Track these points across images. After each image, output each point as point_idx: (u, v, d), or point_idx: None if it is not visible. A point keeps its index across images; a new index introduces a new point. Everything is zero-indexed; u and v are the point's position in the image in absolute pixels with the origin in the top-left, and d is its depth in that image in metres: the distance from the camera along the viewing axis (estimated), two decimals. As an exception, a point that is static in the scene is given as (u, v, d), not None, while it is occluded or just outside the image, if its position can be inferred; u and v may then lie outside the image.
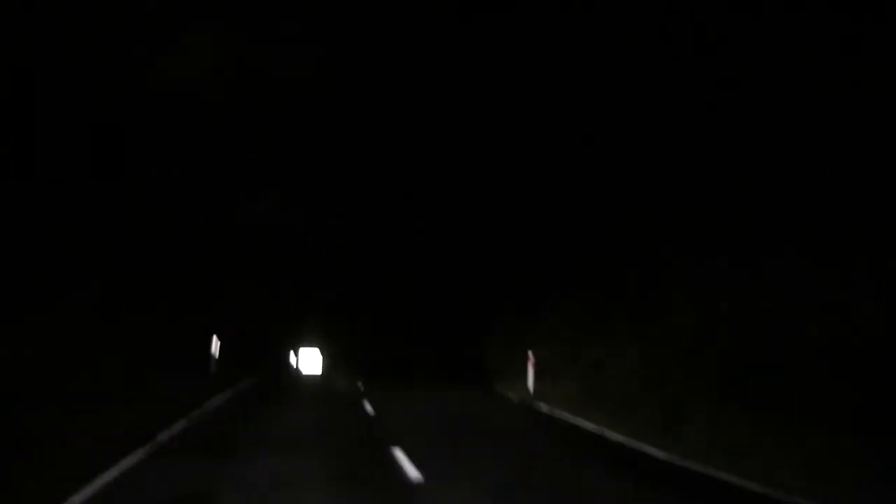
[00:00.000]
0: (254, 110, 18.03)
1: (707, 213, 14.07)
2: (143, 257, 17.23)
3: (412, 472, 8.35)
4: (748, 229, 12.81)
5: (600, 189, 18.32)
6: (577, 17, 15.43)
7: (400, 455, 9.10)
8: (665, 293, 15.24)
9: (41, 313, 12.82)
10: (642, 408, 13.13)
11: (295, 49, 16.24)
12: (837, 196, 11.07)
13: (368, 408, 15.62)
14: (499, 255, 25.59)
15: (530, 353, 19.48)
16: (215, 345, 19.56)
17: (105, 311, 14.97)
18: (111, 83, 13.55)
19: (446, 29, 16.63)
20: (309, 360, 32.60)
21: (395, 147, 23.36)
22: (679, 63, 14.13)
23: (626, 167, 16.89)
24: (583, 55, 16.24)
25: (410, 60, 18.35)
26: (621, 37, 15.22)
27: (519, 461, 9.38)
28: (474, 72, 18.50)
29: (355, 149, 23.17)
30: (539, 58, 17.17)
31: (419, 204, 27.34)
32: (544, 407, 16.36)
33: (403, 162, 24.37)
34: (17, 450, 8.15)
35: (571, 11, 15.23)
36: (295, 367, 32.01)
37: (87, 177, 14.64)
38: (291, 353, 32.38)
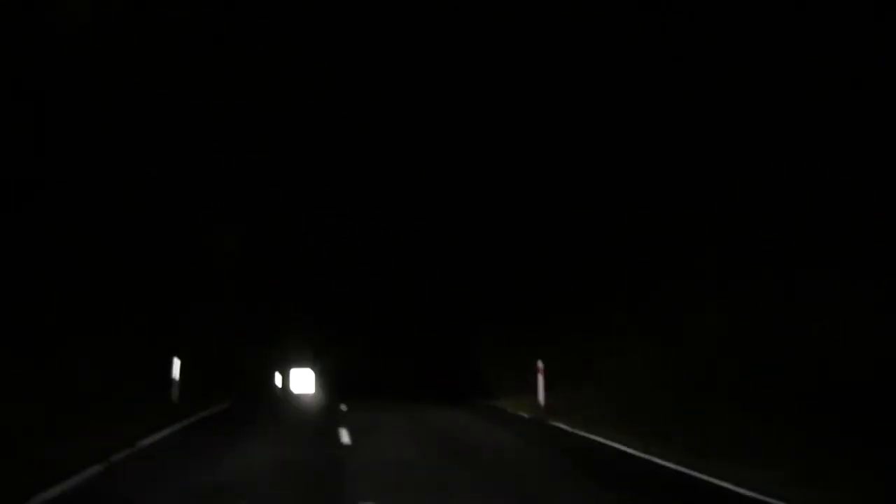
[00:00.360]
0: (253, 110, 17.98)
1: (727, 211, 13.68)
2: (94, 267, 15.52)
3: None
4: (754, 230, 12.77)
5: (606, 187, 18.07)
6: (577, 17, 15.41)
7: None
8: (681, 290, 14.41)
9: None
10: (680, 422, 11.48)
11: (295, 50, 16.25)
12: (839, 196, 11.07)
13: (345, 438, 12.23)
14: (496, 259, 25.15)
15: (540, 364, 17.53)
16: (177, 367, 17.04)
17: (42, 335, 13.17)
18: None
19: (447, 29, 16.62)
20: (301, 380, 30.55)
21: (395, 147, 23.30)
22: (679, 63, 14.13)
23: (632, 166, 16.70)
24: (583, 56, 16.23)
25: (411, 60, 18.35)
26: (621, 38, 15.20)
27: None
28: (475, 72, 18.48)
29: (356, 149, 23.13)
30: (541, 57, 17.14)
31: (415, 206, 27.09)
32: (564, 426, 13.87)
33: (404, 163, 24.29)
34: None
35: (572, 11, 15.21)
36: (280, 387, 29.71)
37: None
38: (277, 373, 29.93)
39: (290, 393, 29.51)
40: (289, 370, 30.73)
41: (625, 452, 10.51)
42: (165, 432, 12.38)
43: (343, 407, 19.10)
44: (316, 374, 30.99)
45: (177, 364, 16.88)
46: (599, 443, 11.57)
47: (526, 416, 16.42)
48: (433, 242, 28.09)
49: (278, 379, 29.91)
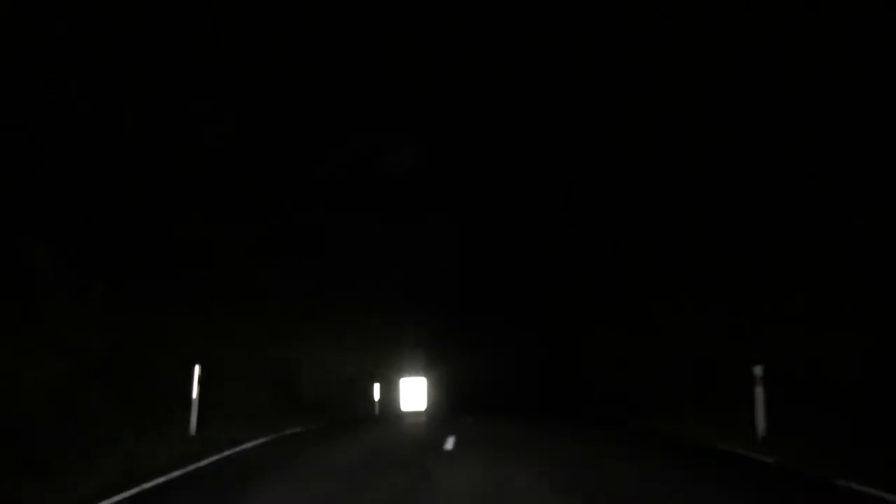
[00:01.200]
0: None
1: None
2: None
3: None
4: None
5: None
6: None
7: None
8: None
9: None
10: None
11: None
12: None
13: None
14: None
15: (758, 370, 11.08)
16: (196, 383, 11.95)
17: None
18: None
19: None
20: (411, 393, 25.43)
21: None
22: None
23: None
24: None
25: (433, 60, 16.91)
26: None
27: None
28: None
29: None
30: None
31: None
32: (865, 488, 6.83)
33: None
34: None
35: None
36: (378, 401, 23.43)
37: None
38: (376, 384, 23.58)
39: (396, 410, 24.57)
40: (396, 380, 25.95)
41: None
42: (149, 484, 7.19)
43: (449, 444, 11.56)
44: (428, 385, 26.27)
45: (196, 375, 11.86)
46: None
47: (766, 460, 9.07)
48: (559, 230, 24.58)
49: (377, 391, 23.83)
